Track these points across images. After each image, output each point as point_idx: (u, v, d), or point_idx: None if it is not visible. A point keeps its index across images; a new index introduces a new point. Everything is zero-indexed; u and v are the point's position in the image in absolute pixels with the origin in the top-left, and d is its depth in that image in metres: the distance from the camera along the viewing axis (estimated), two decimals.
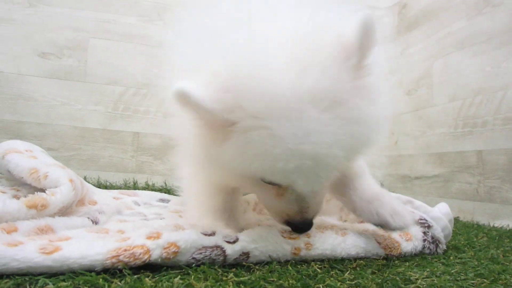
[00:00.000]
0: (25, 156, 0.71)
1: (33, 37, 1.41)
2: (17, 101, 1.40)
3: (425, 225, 0.67)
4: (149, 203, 0.94)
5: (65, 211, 0.63)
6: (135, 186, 1.40)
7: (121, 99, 1.48)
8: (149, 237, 0.48)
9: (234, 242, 0.52)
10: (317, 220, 0.85)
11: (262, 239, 0.54)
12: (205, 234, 0.53)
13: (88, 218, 0.62)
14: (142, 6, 1.50)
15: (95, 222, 0.63)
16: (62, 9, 1.43)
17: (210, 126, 0.48)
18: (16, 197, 0.66)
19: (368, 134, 0.50)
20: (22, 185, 0.71)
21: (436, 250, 0.65)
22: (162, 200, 1.01)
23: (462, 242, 0.77)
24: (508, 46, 1.11)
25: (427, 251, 0.64)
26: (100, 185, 1.38)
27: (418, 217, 0.69)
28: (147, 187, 1.39)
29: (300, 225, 0.57)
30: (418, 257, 0.61)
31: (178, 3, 1.56)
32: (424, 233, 0.65)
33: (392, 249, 0.61)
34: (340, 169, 0.53)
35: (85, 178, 1.41)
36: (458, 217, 1.21)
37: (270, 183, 0.52)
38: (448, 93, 1.32)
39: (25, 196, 0.62)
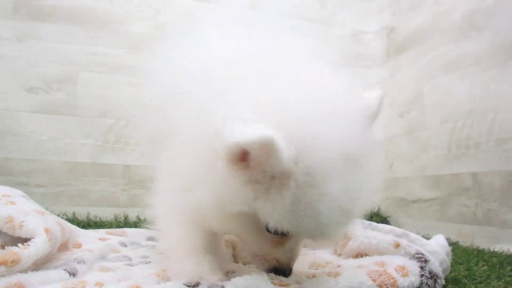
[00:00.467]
0: (2, 203, 0.68)
1: (21, 72, 1.40)
2: (5, 137, 1.38)
3: (422, 259, 0.65)
4: (137, 243, 0.91)
5: (40, 263, 0.59)
6: (126, 221, 1.36)
7: (111, 131, 1.46)
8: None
9: None
10: (310, 257, 0.82)
11: (252, 286, 0.51)
12: (189, 286, 0.50)
13: (65, 270, 0.59)
14: (131, 37, 1.51)
15: (72, 274, 0.59)
16: (50, 44, 1.43)
17: (256, 175, 0.47)
18: None
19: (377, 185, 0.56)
20: None
21: (434, 286, 0.62)
22: (151, 239, 0.97)
23: (462, 273, 0.74)
24: (495, 68, 1.13)
25: (425, 287, 0.62)
26: (90, 221, 1.34)
27: (414, 251, 0.67)
28: (139, 222, 1.35)
29: (288, 271, 0.57)
30: None
31: (166, 33, 1.58)
32: (422, 268, 0.63)
33: (389, 285, 0.58)
34: None
35: (74, 215, 1.37)
36: (458, 241, 1.18)
37: (276, 232, 0.51)
38: (440, 116, 1.33)
39: (2, 246, 0.59)
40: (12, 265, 0.53)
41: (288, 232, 0.50)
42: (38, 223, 0.61)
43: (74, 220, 1.33)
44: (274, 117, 0.47)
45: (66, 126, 1.42)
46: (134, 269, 0.64)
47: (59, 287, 0.53)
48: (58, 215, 1.36)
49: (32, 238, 0.59)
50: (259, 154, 0.45)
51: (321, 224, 0.48)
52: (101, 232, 0.96)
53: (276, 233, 0.51)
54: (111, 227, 1.28)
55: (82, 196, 1.42)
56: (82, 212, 1.37)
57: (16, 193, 0.77)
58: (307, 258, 0.80)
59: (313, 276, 0.58)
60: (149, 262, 0.70)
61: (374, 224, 0.79)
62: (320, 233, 0.50)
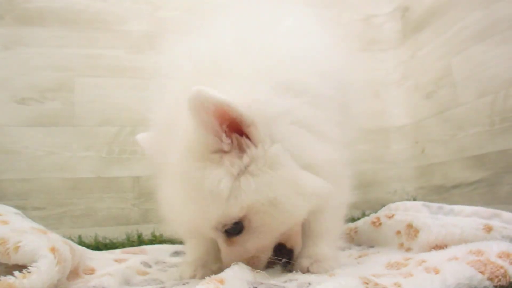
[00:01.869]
0: None
1: (10, 82, 1.27)
2: None
3: None
4: (162, 261, 0.76)
5: None
6: (140, 240, 1.21)
7: (115, 141, 1.32)
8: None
9: None
10: (373, 258, 0.67)
11: None
12: None
13: None
14: (130, 36, 1.39)
15: None
16: (41, 49, 1.30)
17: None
18: None
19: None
20: None
21: None
22: (177, 254, 0.83)
23: None
24: None
25: None
26: (99, 244, 1.19)
27: None
28: (155, 239, 1.20)
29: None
30: None
31: (169, 30, 1.46)
32: None
33: (500, 277, 0.46)
34: None
35: (80, 238, 1.22)
36: None
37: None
38: (475, 89, 1.21)
39: None
40: None
41: None
42: (40, 242, 0.47)
43: (80, 244, 1.17)
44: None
45: (64, 139, 1.28)
46: None
47: None
48: None
49: (34, 262, 0.44)
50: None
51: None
52: (116, 252, 0.82)
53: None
54: (124, 248, 1.13)
55: (87, 216, 1.27)
56: (89, 234, 1.22)
57: (8, 211, 0.63)
58: (371, 259, 0.66)
59: (410, 275, 0.45)
60: (186, 283, 0.56)
61: (447, 206, 0.66)
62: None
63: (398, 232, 0.71)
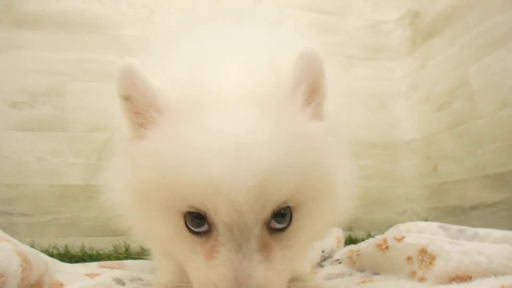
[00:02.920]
0: None
1: (3, 86, 1.23)
2: None
3: None
4: (138, 278, 0.67)
5: None
6: (127, 252, 1.12)
7: (106, 148, 1.26)
8: None
9: None
10: (378, 284, 0.59)
11: None
12: None
13: None
14: (123, 40, 1.34)
15: None
16: (34, 53, 1.26)
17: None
18: None
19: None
20: None
21: None
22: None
23: None
24: None
25: None
26: (85, 254, 1.11)
27: None
28: (142, 252, 1.11)
29: None
30: None
31: (161, 33, 1.41)
32: None
33: None
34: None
35: (66, 248, 1.14)
36: None
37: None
38: (495, 100, 1.11)
39: None
40: None
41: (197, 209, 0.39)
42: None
43: (66, 254, 1.09)
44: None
45: (54, 144, 1.22)
46: None
47: None
48: (47, 249, 1.14)
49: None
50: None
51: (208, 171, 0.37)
52: (92, 266, 0.74)
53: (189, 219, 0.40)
54: (109, 260, 1.05)
55: (74, 225, 1.20)
56: (75, 244, 1.14)
57: None
58: (375, 286, 0.56)
59: None
60: None
61: (470, 229, 0.56)
62: (213, 189, 0.37)
63: (409, 258, 0.60)
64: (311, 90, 0.45)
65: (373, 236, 0.86)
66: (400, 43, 1.52)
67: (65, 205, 1.20)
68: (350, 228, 1.30)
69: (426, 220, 1.33)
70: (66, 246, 1.13)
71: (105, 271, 0.68)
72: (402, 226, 0.65)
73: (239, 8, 1.53)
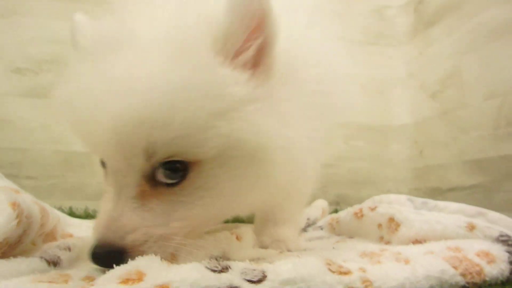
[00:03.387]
0: None
1: (6, 52, 1.26)
2: None
3: (508, 243, 0.50)
4: None
5: (9, 251, 0.44)
6: None
7: None
8: (124, 281, 0.32)
9: (259, 281, 0.35)
10: (349, 244, 0.66)
11: (303, 277, 0.36)
12: (213, 270, 0.35)
13: (42, 258, 0.43)
14: None
15: (53, 263, 0.44)
16: (38, 19, 1.29)
17: None
18: None
19: None
20: None
21: None
22: None
23: None
24: None
25: None
26: (88, 216, 1.19)
27: (498, 233, 0.52)
28: None
29: (94, 249, 0.37)
30: (508, 285, 0.45)
31: None
32: (510, 252, 0.48)
33: (474, 274, 0.44)
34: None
35: (70, 209, 1.22)
36: None
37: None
38: (483, 91, 1.16)
39: None
40: None
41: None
42: (1, 196, 0.46)
43: (71, 214, 1.18)
44: None
45: None
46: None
47: (28, 282, 0.37)
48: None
49: None
50: None
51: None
52: None
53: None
54: None
55: (78, 189, 1.27)
56: (79, 207, 1.22)
57: None
58: (347, 246, 0.64)
59: (378, 262, 0.43)
60: None
61: (431, 202, 0.63)
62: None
63: (380, 225, 0.68)
64: (249, 35, 0.39)
65: None
66: (402, 29, 1.54)
67: (69, 170, 1.27)
68: (337, 203, 1.39)
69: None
70: (70, 208, 1.21)
71: None
72: (376, 198, 0.72)
73: None
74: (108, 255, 0.37)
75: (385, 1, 1.58)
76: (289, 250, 0.60)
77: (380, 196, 0.71)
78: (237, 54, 0.40)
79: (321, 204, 0.95)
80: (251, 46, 0.40)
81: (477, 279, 0.43)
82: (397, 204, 0.66)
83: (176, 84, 0.37)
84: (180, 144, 0.37)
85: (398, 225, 0.63)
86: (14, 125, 1.25)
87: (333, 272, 0.39)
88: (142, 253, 0.37)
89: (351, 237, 0.72)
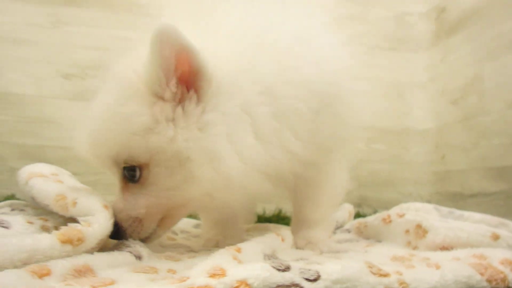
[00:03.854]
0: (50, 180, 0.63)
1: (55, 58, 1.37)
2: (40, 125, 1.35)
3: None
4: (186, 231, 0.84)
5: (103, 245, 0.53)
6: None
7: None
8: (212, 275, 0.39)
9: (315, 280, 0.42)
10: (380, 247, 0.73)
11: (350, 277, 0.43)
12: (278, 269, 0.42)
13: (131, 252, 0.52)
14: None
15: (138, 257, 0.52)
16: (84, 29, 1.39)
17: None
18: (45, 228, 0.56)
19: None
20: (49, 214, 0.62)
21: None
22: (198, 226, 0.90)
23: None
24: None
25: None
26: None
27: None
28: None
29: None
30: None
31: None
32: None
33: (499, 281, 0.49)
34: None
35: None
36: None
37: None
38: (505, 99, 1.20)
39: (55, 228, 0.53)
40: (78, 244, 0.46)
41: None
42: (94, 199, 0.55)
43: None
44: None
45: None
46: (198, 259, 0.57)
47: (129, 272, 0.46)
48: None
49: (90, 216, 0.52)
50: None
51: None
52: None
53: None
54: None
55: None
56: None
57: (63, 172, 0.71)
58: (377, 250, 0.71)
59: (412, 266, 0.50)
60: (209, 250, 0.63)
61: (457, 211, 0.69)
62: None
63: (407, 231, 0.74)
64: (172, 73, 0.50)
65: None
66: (423, 36, 1.57)
67: None
68: (359, 205, 1.45)
69: (429, 203, 1.47)
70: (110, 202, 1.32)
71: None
72: (404, 205, 0.78)
73: None
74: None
75: (407, 8, 1.61)
76: (322, 252, 0.66)
77: (408, 204, 0.78)
78: (163, 91, 0.52)
79: (348, 207, 1.02)
80: (174, 82, 0.51)
81: (501, 286, 0.48)
82: (424, 212, 0.73)
83: (111, 115, 0.54)
84: (123, 154, 0.54)
85: (425, 231, 0.69)
86: (61, 125, 1.35)
87: (374, 274, 0.45)
88: (125, 229, 0.56)
89: (379, 241, 0.79)
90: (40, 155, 1.33)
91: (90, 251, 0.48)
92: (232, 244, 0.51)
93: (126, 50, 0.64)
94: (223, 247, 0.50)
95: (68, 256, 0.45)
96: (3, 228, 0.51)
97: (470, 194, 1.31)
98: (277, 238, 0.62)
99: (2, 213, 0.61)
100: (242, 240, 0.57)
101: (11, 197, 1.27)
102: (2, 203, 0.67)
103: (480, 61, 1.30)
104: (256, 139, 0.54)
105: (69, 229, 0.48)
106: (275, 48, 0.57)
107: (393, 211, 0.78)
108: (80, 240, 0.47)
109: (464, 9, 1.40)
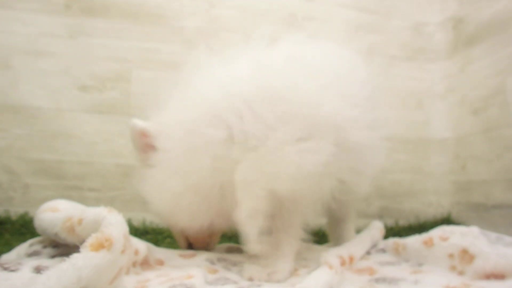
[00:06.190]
0: (60, 213, 0.62)
1: (73, 70, 1.34)
2: (57, 139, 1.32)
3: None
4: (222, 259, 0.80)
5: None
6: None
7: None
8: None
9: None
10: (427, 274, 0.71)
11: None
12: None
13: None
14: (184, 31, 1.43)
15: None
16: (103, 40, 1.37)
17: None
18: None
19: None
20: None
21: None
22: (230, 250, 0.88)
23: None
24: None
25: None
26: (146, 228, 1.27)
27: None
28: None
29: None
30: None
31: (221, 28, 1.49)
32: None
33: None
34: None
35: (129, 220, 1.30)
36: None
37: None
38: None
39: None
40: (109, 245, 0.46)
41: None
42: (98, 209, 0.53)
43: (131, 227, 1.26)
44: None
45: (120, 127, 1.35)
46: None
47: None
48: None
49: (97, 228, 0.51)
50: None
51: None
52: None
53: None
54: (169, 234, 1.20)
55: (137, 201, 1.35)
56: (137, 218, 1.30)
57: (79, 207, 0.70)
58: (426, 277, 0.69)
59: None
60: (259, 286, 0.61)
61: (507, 238, 0.68)
62: None
63: (451, 255, 0.73)
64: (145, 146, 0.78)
65: (401, 225, 1.22)
66: (440, 46, 1.57)
67: (129, 183, 1.35)
68: (380, 216, 1.45)
69: (450, 213, 1.46)
70: (129, 219, 1.29)
71: (197, 253, 0.81)
72: (446, 228, 0.77)
73: (290, 7, 1.63)
74: None
75: (423, 18, 1.60)
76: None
77: (451, 227, 0.77)
78: (144, 157, 0.78)
79: (378, 225, 1.01)
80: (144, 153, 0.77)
81: None
82: (471, 237, 0.71)
83: None
84: None
85: (472, 257, 0.68)
86: (79, 139, 1.33)
87: None
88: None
89: (419, 264, 0.77)
90: (56, 171, 1.31)
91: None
92: None
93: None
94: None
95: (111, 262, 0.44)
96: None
97: (494, 205, 1.31)
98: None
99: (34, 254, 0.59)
100: None
101: (25, 215, 1.25)
102: (34, 240, 0.66)
103: (502, 72, 1.30)
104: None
105: (92, 238, 0.47)
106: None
107: (435, 234, 0.77)
108: (108, 240, 0.46)
109: (482, 21, 1.40)
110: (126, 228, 0.54)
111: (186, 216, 0.73)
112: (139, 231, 1.24)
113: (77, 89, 1.34)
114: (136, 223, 1.30)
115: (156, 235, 1.23)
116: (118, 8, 1.38)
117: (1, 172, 1.29)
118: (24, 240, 0.73)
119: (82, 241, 0.51)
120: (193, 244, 0.86)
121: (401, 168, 1.51)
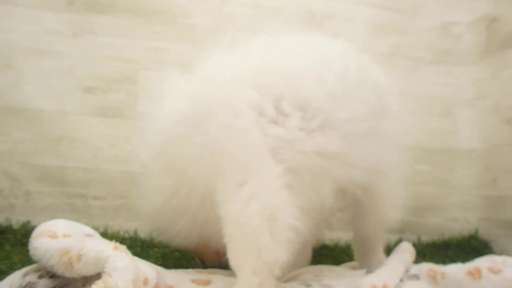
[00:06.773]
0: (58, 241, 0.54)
1: (77, 71, 1.27)
2: (60, 143, 1.25)
3: None
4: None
5: None
6: None
7: None
8: None
9: None
10: None
11: None
12: None
13: None
14: (194, 30, 1.34)
15: None
16: (108, 39, 1.28)
17: None
18: None
19: None
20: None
21: None
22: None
23: None
24: None
25: None
26: (153, 240, 1.19)
27: None
28: None
29: None
30: None
31: (233, 26, 1.40)
32: None
33: None
34: None
35: (135, 232, 1.22)
36: None
37: None
38: None
39: None
40: None
41: None
42: (102, 243, 0.45)
43: (137, 239, 1.18)
44: None
45: (126, 131, 1.27)
46: None
47: None
48: (119, 232, 1.23)
49: (102, 270, 0.43)
50: None
51: None
52: (191, 271, 0.79)
53: None
54: (177, 248, 1.12)
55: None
56: (143, 229, 1.22)
57: (79, 232, 0.61)
58: None
59: None
60: None
61: None
62: None
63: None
64: None
65: (423, 241, 1.19)
66: (470, 48, 1.46)
67: (136, 191, 1.26)
68: (401, 231, 1.35)
69: (477, 230, 1.36)
70: (135, 230, 1.21)
71: (212, 279, 0.73)
72: (496, 258, 0.67)
73: (312, 6, 1.55)
74: None
75: (453, 18, 1.49)
76: None
77: (503, 257, 0.67)
78: None
79: (408, 247, 0.91)
80: None
81: None
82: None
83: None
84: None
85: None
86: (83, 144, 1.25)
87: None
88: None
89: None
90: (59, 177, 1.23)
91: None
92: None
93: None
94: None
95: None
96: None
97: None
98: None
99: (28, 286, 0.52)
100: None
101: (27, 224, 1.18)
102: (28, 268, 0.57)
103: None
104: None
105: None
106: None
107: (484, 265, 0.68)
108: None
109: None
110: (135, 271, 0.45)
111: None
112: (145, 244, 1.16)
113: (81, 91, 1.27)
114: (143, 234, 1.22)
115: (163, 248, 1.15)
116: (124, 4, 1.30)
117: (2, 178, 1.22)
118: (24, 253, 0.68)
119: (82, 276, 0.43)
120: (203, 261, 0.85)
121: (424, 180, 1.40)
